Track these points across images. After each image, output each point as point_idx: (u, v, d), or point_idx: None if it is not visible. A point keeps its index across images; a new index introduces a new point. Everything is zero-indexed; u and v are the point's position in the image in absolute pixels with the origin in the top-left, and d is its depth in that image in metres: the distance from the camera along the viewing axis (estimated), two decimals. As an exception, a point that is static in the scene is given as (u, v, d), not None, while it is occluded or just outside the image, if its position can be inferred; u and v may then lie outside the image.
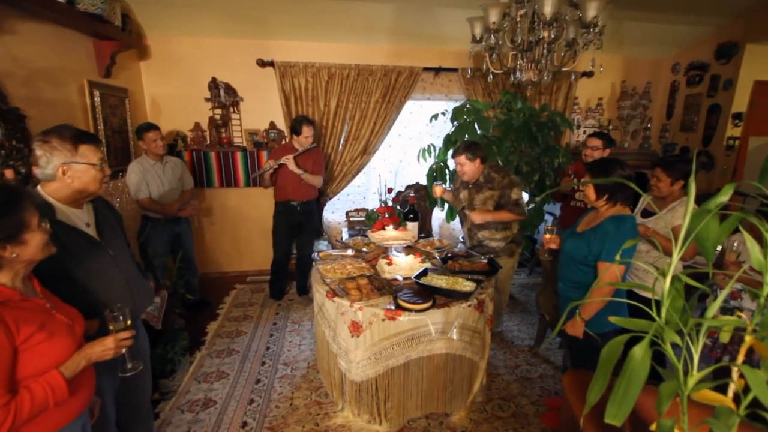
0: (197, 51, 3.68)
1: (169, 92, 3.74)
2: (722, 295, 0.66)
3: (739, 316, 0.69)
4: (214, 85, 3.74)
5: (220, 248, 4.16)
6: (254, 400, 2.29)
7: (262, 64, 3.74)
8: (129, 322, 1.22)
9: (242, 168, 3.91)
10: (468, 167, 2.51)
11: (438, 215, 4.33)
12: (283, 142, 3.89)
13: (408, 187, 4.24)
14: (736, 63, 3.60)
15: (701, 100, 3.98)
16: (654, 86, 4.40)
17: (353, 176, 4.10)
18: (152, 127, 2.96)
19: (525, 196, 3.78)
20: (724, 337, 0.70)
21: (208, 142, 3.84)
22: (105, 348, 1.14)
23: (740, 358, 0.64)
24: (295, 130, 3.21)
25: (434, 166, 3.68)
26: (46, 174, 1.30)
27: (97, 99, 2.88)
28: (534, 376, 2.53)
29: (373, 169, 4.31)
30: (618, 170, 1.74)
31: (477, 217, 2.53)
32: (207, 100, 3.77)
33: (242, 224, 4.12)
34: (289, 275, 3.77)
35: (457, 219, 3.23)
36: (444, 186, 2.88)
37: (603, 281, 1.70)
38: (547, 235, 2.10)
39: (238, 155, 3.87)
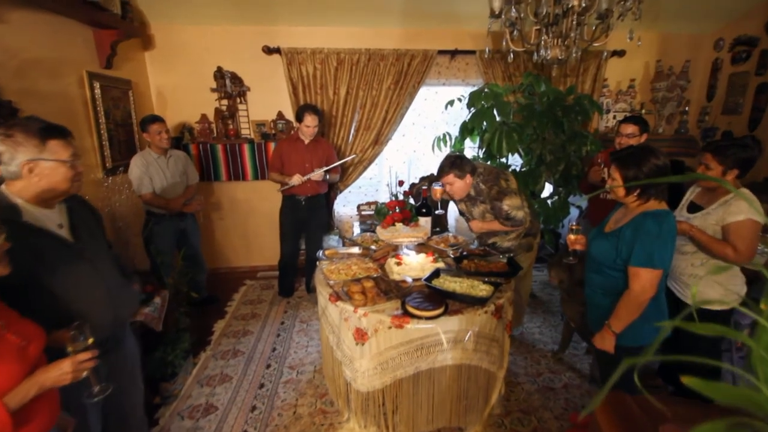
0: (202, 39, 3.54)
1: (175, 83, 3.63)
2: None
3: None
4: (219, 74, 3.61)
5: (229, 243, 4.07)
6: (257, 407, 2.18)
7: (268, 51, 3.58)
8: (91, 340, 1.09)
9: (250, 161, 3.78)
10: (458, 185, 2.27)
11: (455, 208, 4.11)
12: (292, 132, 3.74)
13: (422, 179, 4.02)
14: (791, 36, 3.20)
15: (748, 79, 3.58)
16: (693, 65, 4.00)
17: (365, 168, 3.91)
18: (157, 119, 2.85)
19: (547, 188, 3.54)
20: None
21: (215, 134, 3.73)
22: (61, 373, 1.01)
23: None
24: (298, 116, 3.08)
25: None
26: (10, 171, 1.18)
27: (97, 91, 2.79)
28: (558, 386, 2.32)
29: (386, 160, 4.11)
30: (651, 160, 1.47)
31: (475, 228, 2.42)
32: (213, 90, 3.64)
33: (252, 218, 4.01)
34: (299, 271, 3.65)
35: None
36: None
37: (634, 291, 1.47)
38: (572, 236, 1.86)
39: (246, 147, 3.74)
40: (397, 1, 3.28)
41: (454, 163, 2.24)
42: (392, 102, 3.72)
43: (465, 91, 3.63)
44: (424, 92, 3.92)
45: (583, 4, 1.77)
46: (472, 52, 3.71)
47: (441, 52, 3.68)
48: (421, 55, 3.64)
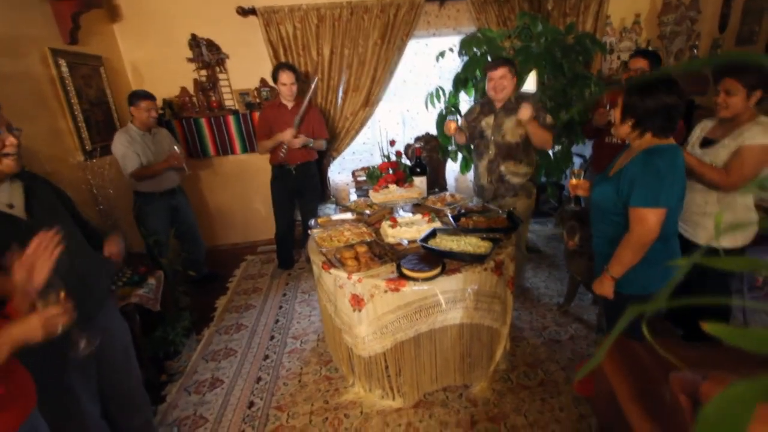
0: (171, 5, 3.31)
1: (149, 56, 3.43)
2: None
3: None
4: (194, 42, 3.40)
5: (227, 220, 4.01)
6: (262, 378, 2.18)
7: (243, 12, 3.34)
8: (63, 293, 1.02)
9: (237, 133, 3.64)
10: (509, 82, 2.26)
11: (453, 167, 3.97)
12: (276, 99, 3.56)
13: (417, 139, 3.87)
14: (815, -53, 2.89)
15: (766, 2, 3.29)
16: (704, -8, 3.68)
17: (357, 132, 3.75)
18: (148, 96, 2.72)
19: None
20: None
21: (197, 107, 3.56)
22: (29, 328, 0.94)
23: None
24: (273, 77, 2.92)
25: (444, 112, 3.28)
26: None
27: (64, 69, 2.62)
28: (564, 338, 2.29)
29: (378, 123, 3.94)
30: (660, 95, 1.30)
31: (525, 112, 2.13)
32: (189, 60, 3.45)
33: (246, 193, 3.92)
34: (297, 243, 3.60)
35: (472, 171, 2.88)
36: (457, 123, 2.51)
37: (635, 232, 1.36)
38: (574, 180, 1.75)
39: (231, 119, 3.59)
40: (376, -56, 3.00)
41: (508, 60, 2.30)
42: (380, 58, 3.50)
43: (457, 41, 3.38)
44: (413, 46, 3.68)
45: None
46: (463, -3, 3.44)
47: (429, -1, 3.42)
48: (408, 3, 3.38)
